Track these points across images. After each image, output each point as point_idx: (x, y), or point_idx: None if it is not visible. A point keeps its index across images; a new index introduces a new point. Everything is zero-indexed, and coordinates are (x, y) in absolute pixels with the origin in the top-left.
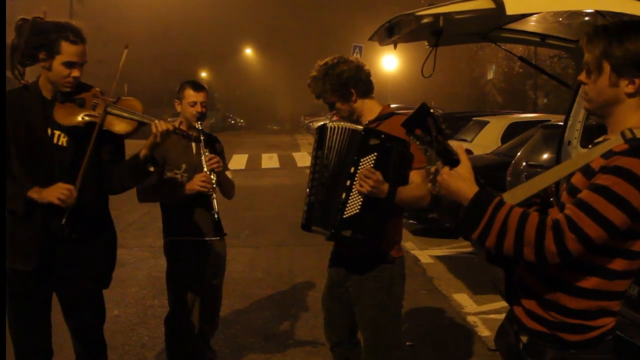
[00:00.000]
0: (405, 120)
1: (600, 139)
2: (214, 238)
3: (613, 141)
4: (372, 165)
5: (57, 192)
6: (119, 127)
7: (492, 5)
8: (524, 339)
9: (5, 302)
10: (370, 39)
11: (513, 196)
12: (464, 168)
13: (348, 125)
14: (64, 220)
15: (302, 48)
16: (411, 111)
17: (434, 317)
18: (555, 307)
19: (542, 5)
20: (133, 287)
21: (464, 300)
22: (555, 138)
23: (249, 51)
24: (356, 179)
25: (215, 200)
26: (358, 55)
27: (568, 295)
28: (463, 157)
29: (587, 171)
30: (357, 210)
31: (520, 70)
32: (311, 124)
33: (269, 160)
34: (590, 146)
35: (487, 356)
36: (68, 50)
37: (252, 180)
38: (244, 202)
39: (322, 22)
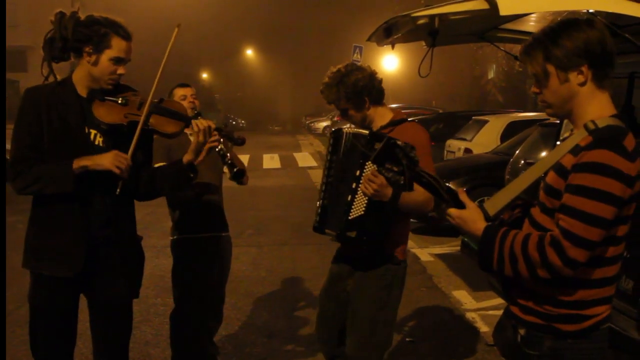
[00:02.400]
0: (375, 157)
1: (567, 134)
2: (222, 233)
3: (578, 135)
4: (375, 168)
5: (115, 160)
6: (166, 127)
7: (486, 6)
8: (522, 331)
9: (5, 302)
10: (369, 39)
11: (494, 204)
12: (468, 211)
13: (356, 130)
14: (118, 191)
15: (302, 49)
16: (415, 110)
17: (433, 313)
18: (549, 301)
19: (535, 6)
20: None
21: (463, 297)
22: (552, 136)
23: (249, 52)
24: (361, 181)
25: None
26: (359, 56)
27: (561, 288)
28: (466, 201)
29: (559, 169)
30: (362, 212)
31: (520, 69)
32: (312, 124)
33: (271, 161)
34: (558, 142)
35: (486, 351)
36: (118, 45)
37: (254, 181)
38: (246, 202)
39: (323, 23)
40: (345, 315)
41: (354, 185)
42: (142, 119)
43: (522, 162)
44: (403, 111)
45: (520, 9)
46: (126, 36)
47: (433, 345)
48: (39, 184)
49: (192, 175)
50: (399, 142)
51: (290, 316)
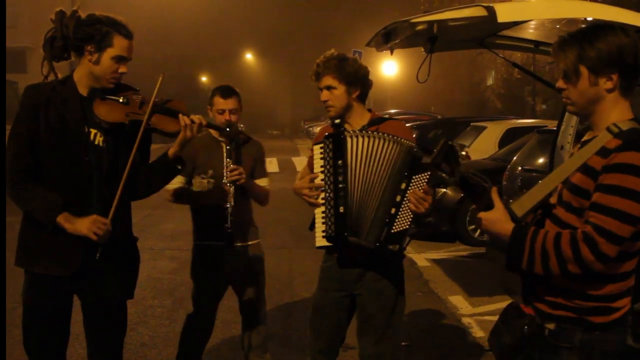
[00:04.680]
0: (434, 159)
1: (587, 137)
2: (243, 243)
3: (602, 138)
4: (424, 183)
5: (93, 226)
6: (167, 125)
7: (484, 13)
8: (550, 326)
9: (5, 302)
10: (368, 44)
11: (521, 206)
12: (496, 211)
13: (393, 137)
14: (97, 255)
15: (302, 53)
16: (414, 116)
17: (429, 318)
18: (579, 295)
19: (533, 13)
20: None
21: (459, 302)
22: (550, 143)
23: (249, 56)
24: (407, 195)
25: (230, 214)
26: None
27: (591, 283)
28: (495, 200)
29: (587, 170)
30: (406, 226)
31: (519, 76)
32: (311, 129)
33: (269, 165)
34: (579, 146)
35: (481, 356)
36: (120, 44)
37: None
38: None
39: (322, 27)
40: (347, 323)
41: (398, 199)
42: (145, 117)
43: (520, 168)
44: (402, 117)
45: (517, 16)
46: (128, 35)
47: (428, 350)
48: (27, 207)
49: (179, 167)
50: (454, 144)
51: (286, 318)
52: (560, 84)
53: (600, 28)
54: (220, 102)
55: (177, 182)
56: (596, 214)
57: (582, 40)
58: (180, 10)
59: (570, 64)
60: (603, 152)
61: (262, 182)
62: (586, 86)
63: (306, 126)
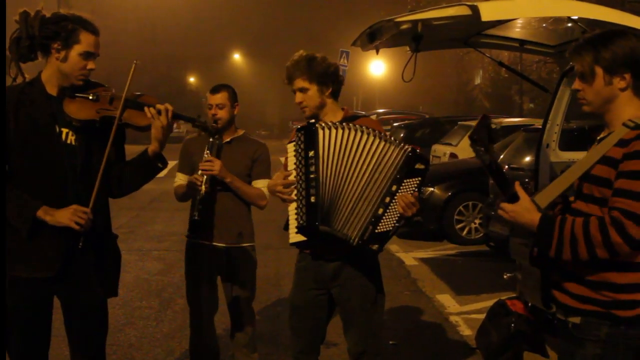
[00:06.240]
0: (472, 133)
1: (603, 135)
2: (222, 244)
3: (619, 132)
4: (414, 188)
5: (74, 216)
6: (139, 119)
7: (468, 12)
8: (576, 320)
9: (5, 303)
10: (353, 44)
11: (546, 196)
12: (523, 202)
13: (383, 136)
14: (80, 245)
15: (290, 53)
16: (402, 115)
17: (417, 317)
18: (606, 286)
19: (517, 12)
20: (121, 289)
21: (447, 300)
22: (536, 141)
23: (237, 56)
24: (396, 197)
25: (198, 202)
26: (345, 60)
27: (616, 272)
28: (520, 192)
29: (607, 160)
30: (390, 227)
31: (506, 75)
32: None
33: None
34: (596, 143)
35: (469, 354)
36: (87, 40)
37: None
38: None
39: (310, 27)
40: (327, 321)
41: (387, 200)
42: (118, 112)
43: (506, 167)
44: (390, 116)
45: (502, 15)
46: (94, 31)
47: (416, 348)
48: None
49: (160, 165)
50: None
51: (274, 318)
52: (576, 84)
53: (614, 33)
54: (209, 98)
55: (180, 180)
56: (621, 199)
57: (597, 43)
58: (167, 11)
59: (586, 66)
60: (622, 143)
61: (258, 183)
62: (601, 85)
63: (294, 126)
